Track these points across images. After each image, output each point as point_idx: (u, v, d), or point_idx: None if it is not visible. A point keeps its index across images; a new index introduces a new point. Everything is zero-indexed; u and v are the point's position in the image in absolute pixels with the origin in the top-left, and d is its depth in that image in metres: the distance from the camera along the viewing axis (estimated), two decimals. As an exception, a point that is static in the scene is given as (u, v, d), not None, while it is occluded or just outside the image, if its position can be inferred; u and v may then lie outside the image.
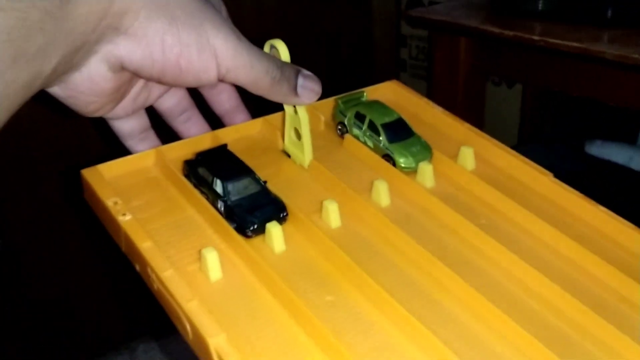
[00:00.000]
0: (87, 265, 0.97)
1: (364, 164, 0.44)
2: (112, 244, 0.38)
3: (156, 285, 0.34)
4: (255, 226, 0.37)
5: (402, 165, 0.43)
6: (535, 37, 0.63)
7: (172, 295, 0.32)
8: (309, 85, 0.40)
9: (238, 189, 0.38)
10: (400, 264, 0.36)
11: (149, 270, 0.34)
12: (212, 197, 0.39)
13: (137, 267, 0.36)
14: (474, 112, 0.89)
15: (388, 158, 0.43)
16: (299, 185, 0.42)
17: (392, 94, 0.51)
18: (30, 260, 0.92)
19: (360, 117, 0.45)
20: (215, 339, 0.30)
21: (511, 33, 0.67)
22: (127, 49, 0.34)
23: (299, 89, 0.39)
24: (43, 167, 0.88)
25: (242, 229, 0.37)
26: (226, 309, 0.33)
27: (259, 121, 0.47)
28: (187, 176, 0.41)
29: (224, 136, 0.45)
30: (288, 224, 0.38)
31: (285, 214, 0.38)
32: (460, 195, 0.42)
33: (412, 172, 0.42)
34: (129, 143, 0.44)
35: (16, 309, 0.93)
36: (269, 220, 0.37)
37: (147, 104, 0.44)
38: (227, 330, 0.30)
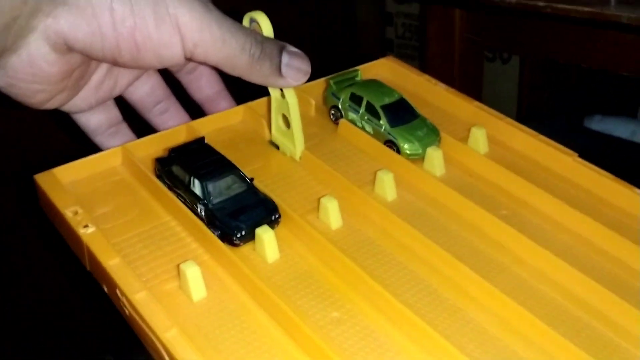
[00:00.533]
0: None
1: (363, 152, 0.42)
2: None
3: (127, 310, 0.31)
4: (243, 232, 0.35)
5: (408, 151, 0.40)
6: (541, 4, 0.60)
7: (146, 323, 0.29)
8: (295, 64, 0.37)
9: (220, 189, 0.36)
10: (415, 269, 0.34)
11: (118, 292, 0.31)
12: (190, 200, 0.36)
13: (105, 289, 0.33)
14: (471, 90, 0.87)
15: (391, 144, 0.41)
16: (291, 181, 0.39)
17: (388, 72, 0.49)
18: (29, 260, 0.91)
19: (356, 99, 0.43)
20: (200, 376, 0.27)
21: (513, 0, 0.64)
22: (69, 22, 0.31)
23: (284, 69, 0.36)
24: (39, 165, 0.87)
25: (228, 237, 0.35)
26: (212, 335, 0.30)
27: (241, 109, 0.44)
28: (159, 177, 0.39)
29: (201, 127, 0.42)
30: (281, 227, 0.36)
31: (277, 216, 0.36)
32: (476, 183, 0.40)
33: (419, 159, 0.41)
34: (98, 139, 0.41)
35: (15, 309, 0.92)
36: (259, 224, 0.35)
37: (114, 94, 0.41)
38: (214, 363, 0.27)
